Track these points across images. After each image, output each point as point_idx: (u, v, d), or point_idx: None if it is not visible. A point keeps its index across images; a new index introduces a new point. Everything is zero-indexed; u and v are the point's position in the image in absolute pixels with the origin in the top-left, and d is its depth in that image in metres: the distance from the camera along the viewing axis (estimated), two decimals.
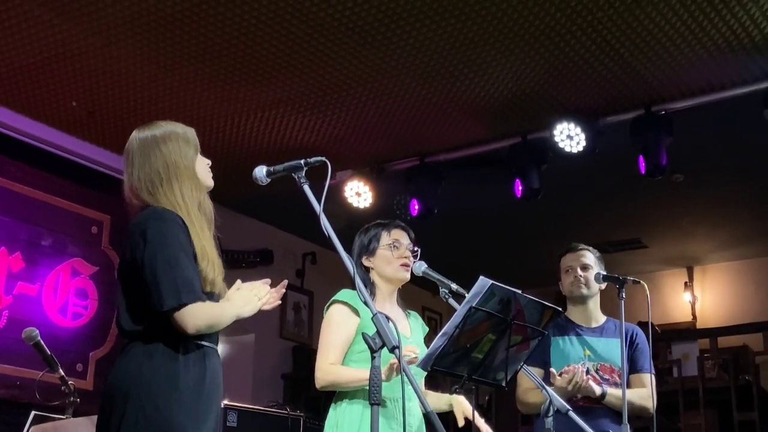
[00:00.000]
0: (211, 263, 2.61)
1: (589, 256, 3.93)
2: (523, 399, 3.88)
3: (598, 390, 3.66)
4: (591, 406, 3.68)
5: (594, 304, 3.94)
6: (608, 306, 4.05)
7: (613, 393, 3.69)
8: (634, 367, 3.84)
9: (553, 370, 3.68)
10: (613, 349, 3.81)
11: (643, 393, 3.79)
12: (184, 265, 2.51)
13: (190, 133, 2.79)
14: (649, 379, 3.83)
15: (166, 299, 2.46)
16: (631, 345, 3.86)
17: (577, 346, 3.81)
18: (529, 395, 3.82)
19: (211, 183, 2.80)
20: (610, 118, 5.92)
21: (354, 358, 3.20)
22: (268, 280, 2.75)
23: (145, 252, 2.51)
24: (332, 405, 3.22)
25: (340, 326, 3.21)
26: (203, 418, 2.54)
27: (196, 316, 2.48)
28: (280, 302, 2.86)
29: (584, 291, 3.88)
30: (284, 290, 2.84)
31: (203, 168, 2.78)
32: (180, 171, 2.68)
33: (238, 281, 2.73)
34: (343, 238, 2.51)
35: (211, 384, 2.58)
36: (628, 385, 3.76)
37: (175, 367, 2.50)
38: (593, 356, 3.79)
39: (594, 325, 3.90)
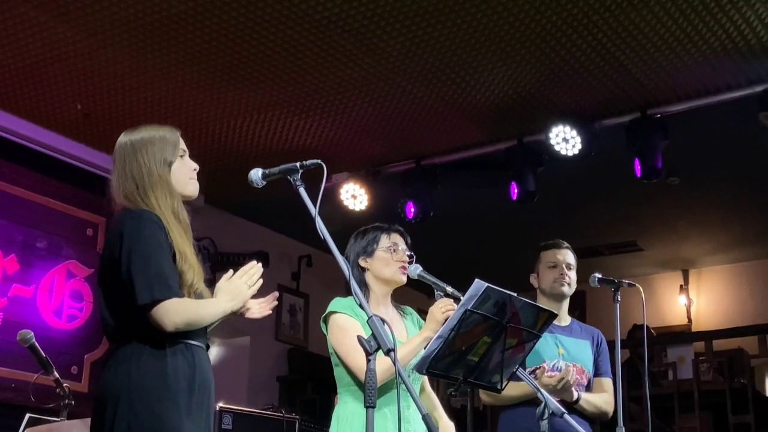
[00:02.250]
0: (191, 268, 2.59)
1: (572, 256, 3.94)
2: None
3: (574, 394, 3.65)
4: None
5: (566, 304, 3.93)
6: (604, 309, 4.05)
7: (586, 398, 3.69)
8: (596, 371, 3.84)
9: (545, 364, 3.67)
10: (582, 350, 3.82)
11: (607, 398, 3.79)
12: (158, 262, 2.50)
13: (171, 136, 2.74)
14: (610, 383, 3.84)
15: (139, 295, 2.46)
16: (596, 349, 3.87)
17: (551, 344, 3.76)
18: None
19: (190, 191, 2.75)
20: (605, 121, 5.93)
21: None
22: (254, 263, 2.67)
23: (122, 250, 2.51)
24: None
25: (355, 328, 3.17)
26: (195, 416, 2.53)
27: (172, 312, 2.47)
28: (271, 312, 2.85)
29: (566, 290, 3.87)
30: (276, 302, 2.83)
31: (183, 174, 2.73)
32: (153, 180, 2.65)
33: (230, 271, 2.67)
34: (339, 240, 2.51)
35: (201, 382, 2.57)
36: (589, 389, 3.77)
37: (163, 367, 2.50)
38: (567, 355, 3.76)
39: (563, 324, 3.89)
